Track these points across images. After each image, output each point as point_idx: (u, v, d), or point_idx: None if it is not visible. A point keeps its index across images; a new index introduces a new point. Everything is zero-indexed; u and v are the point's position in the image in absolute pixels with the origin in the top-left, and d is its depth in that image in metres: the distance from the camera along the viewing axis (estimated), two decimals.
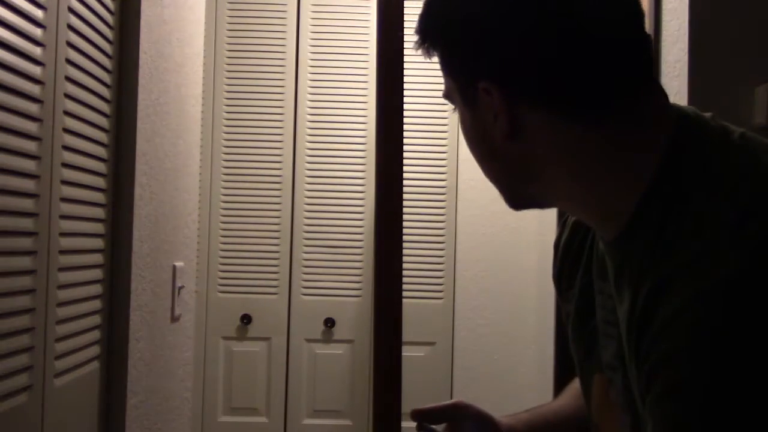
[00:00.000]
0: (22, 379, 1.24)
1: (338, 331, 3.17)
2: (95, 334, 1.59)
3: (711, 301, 0.58)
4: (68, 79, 1.39)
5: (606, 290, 0.77)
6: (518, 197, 0.79)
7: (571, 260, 0.88)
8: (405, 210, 1.74)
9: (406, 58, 1.71)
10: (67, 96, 1.39)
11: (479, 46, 0.71)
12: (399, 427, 1.74)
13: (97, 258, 1.60)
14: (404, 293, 1.74)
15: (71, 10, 1.39)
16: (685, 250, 0.62)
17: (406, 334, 1.83)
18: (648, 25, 1.81)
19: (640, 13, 0.71)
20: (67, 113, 1.39)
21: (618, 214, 0.70)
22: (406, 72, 1.72)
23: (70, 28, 1.39)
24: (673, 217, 0.65)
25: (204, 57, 2.50)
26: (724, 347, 0.57)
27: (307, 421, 3.14)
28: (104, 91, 1.60)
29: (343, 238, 3.16)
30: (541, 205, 0.80)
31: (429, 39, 0.76)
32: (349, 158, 3.16)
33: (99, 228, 1.60)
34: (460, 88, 0.75)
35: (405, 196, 1.75)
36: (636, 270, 0.67)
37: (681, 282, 0.61)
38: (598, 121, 0.69)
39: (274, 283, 3.17)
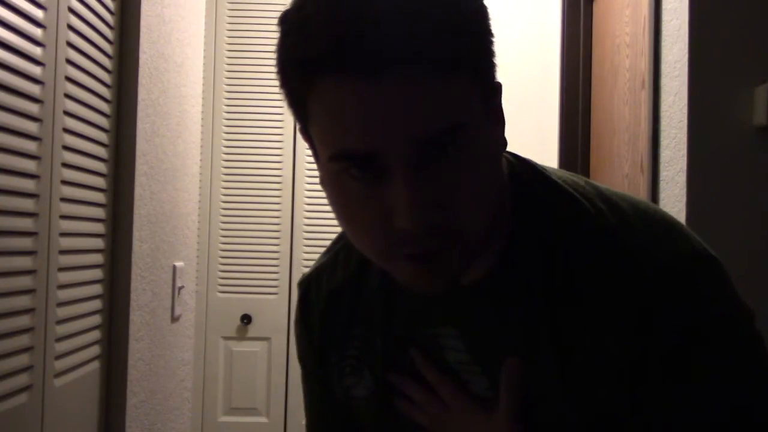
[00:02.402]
0: (22, 379, 1.24)
1: None
2: (95, 334, 1.59)
3: (707, 273, 0.67)
4: (68, 79, 1.39)
5: (448, 332, 0.75)
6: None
7: (343, 335, 0.82)
8: None
9: None
10: (67, 96, 1.39)
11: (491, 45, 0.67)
12: None
13: (97, 258, 1.60)
14: None
15: (71, 10, 1.39)
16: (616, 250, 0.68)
17: None
18: (648, 25, 1.81)
19: None
20: (67, 113, 1.39)
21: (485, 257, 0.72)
22: None
23: (70, 28, 1.39)
24: (561, 238, 0.70)
25: (204, 57, 2.50)
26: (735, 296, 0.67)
27: None
28: (104, 91, 1.60)
29: None
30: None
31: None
32: None
33: (99, 228, 1.60)
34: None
35: None
36: (544, 289, 0.69)
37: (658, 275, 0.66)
38: None
39: (274, 283, 3.17)
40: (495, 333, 0.73)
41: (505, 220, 0.72)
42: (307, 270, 0.90)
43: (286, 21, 0.62)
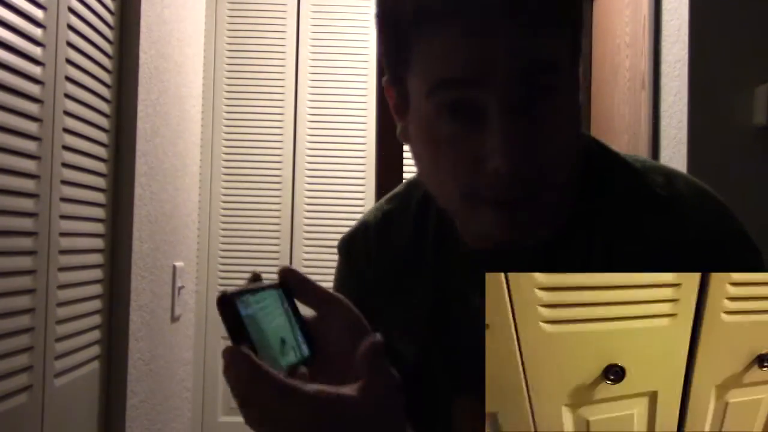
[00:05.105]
0: (22, 379, 1.24)
1: None
2: (95, 334, 1.59)
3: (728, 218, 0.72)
4: (68, 79, 1.39)
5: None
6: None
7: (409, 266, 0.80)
8: None
9: None
10: (67, 96, 1.39)
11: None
12: None
13: (97, 258, 1.60)
14: None
15: (71, 10, 1.39)
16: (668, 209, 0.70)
17: None
18: (648, 25, 1.81)
19: None
20: (67, 113, 1.39)
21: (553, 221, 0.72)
22: None
23: (70, 28, 1.39)
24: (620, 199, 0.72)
25: (204, 57, 2.50)
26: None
27: None
28: (104, 91, 1.60)
29: None
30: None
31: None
32: (349, 158, 3.16)
33: (99, 228, 1.60)
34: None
35: None
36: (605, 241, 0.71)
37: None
38: None
39: None
40: None
41: (570, 192, 0.72)
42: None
43: None
